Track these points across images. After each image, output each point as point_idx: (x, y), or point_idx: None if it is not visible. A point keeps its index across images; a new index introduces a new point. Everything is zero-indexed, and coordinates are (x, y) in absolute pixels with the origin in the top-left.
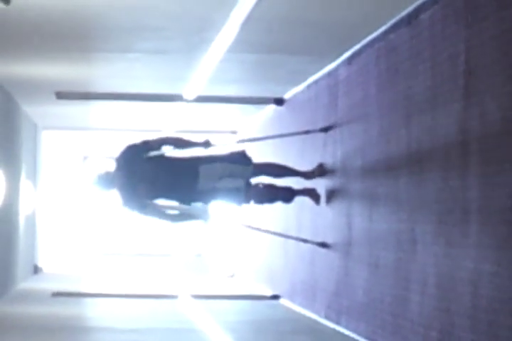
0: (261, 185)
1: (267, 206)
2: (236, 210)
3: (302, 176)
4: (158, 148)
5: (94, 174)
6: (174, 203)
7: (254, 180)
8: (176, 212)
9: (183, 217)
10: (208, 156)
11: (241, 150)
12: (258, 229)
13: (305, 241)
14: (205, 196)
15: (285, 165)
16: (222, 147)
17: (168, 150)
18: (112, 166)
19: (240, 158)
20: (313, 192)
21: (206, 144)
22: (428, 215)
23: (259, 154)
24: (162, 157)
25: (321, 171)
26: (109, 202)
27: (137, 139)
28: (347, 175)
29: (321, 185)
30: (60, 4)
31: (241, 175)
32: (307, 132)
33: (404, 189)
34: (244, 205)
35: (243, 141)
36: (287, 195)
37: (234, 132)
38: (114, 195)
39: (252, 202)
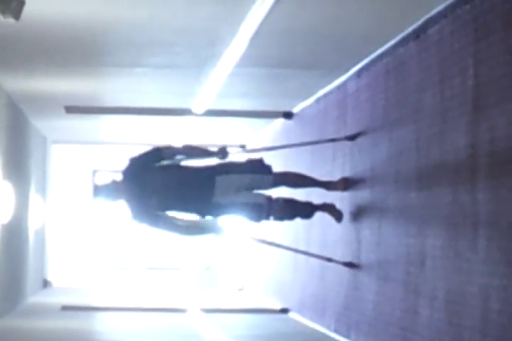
0: (281, 200)
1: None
2: (249, 224)
3: (323, 187)
4: (171, 157)
5: (99, 184)
6: (187, 215)
7: (273, 193)
8: (188, 224)
9: (195, 230)
10: (224, 165)
11: (258, 158)
12: (273, 244)
13: (329, 260)
14: (221, 209)
15: (304, 174)
16: (238, 156)
17: (182, 160)
18: (119, 176)
19: (259, 167)
20: (333, 209)
21: (222, 153)
22: (437, 229)
23: None
24: (175, 166)
25: (345, 186)
26: (117, 215)
27: (147, 148)
28: (356, 189)
29: (330, 198)
30: (70, 20)
31: (260, 186)
32: (332, 140)
33: (414, 203)
34: (263, 222)
35: (258, 150)
36: (307, 210)
37: (243, 146)
38: (121, 206)
39: (271, 219)
